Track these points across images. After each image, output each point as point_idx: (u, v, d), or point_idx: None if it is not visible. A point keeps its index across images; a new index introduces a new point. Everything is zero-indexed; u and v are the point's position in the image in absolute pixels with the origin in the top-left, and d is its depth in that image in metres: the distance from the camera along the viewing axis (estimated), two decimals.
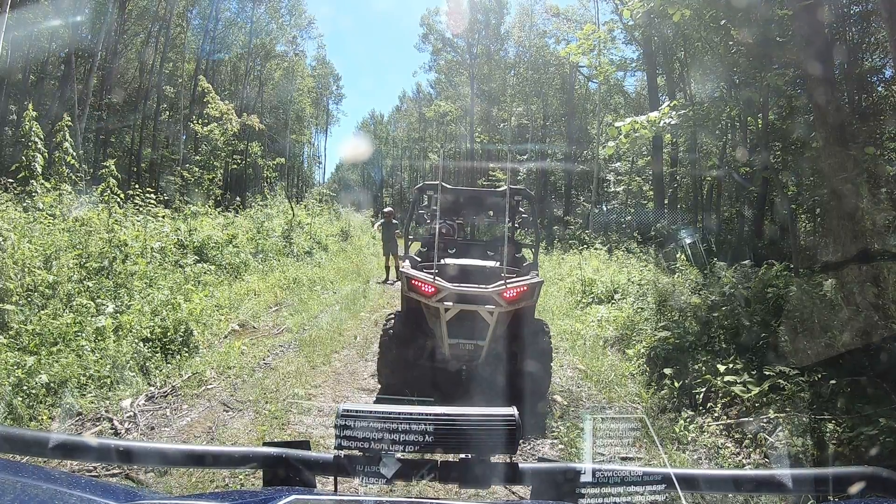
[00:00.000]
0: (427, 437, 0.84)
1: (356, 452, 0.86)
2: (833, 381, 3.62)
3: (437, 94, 32.58)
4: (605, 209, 18.90)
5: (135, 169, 20.55)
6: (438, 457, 0.89)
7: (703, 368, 4.35)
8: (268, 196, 16.09)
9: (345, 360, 5.30)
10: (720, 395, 4.06)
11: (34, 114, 7.31)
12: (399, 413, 0.86)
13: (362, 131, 40.95)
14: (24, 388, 3.44)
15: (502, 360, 4.11)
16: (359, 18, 52.10)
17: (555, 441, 3.67)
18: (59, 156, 7.76)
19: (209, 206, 10.47)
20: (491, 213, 5.62)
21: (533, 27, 24.80)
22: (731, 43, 6.63)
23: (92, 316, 4.56)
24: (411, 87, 39.30)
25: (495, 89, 26.51)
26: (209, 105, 12.52)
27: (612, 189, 19.29)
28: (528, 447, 3.56)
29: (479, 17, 26.79)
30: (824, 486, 0.92)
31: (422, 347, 4.24)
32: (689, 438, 3.77)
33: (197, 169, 12.16)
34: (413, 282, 4.06)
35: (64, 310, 4.49)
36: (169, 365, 4.52)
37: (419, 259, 4.93)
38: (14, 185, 6.77)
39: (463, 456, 0.89)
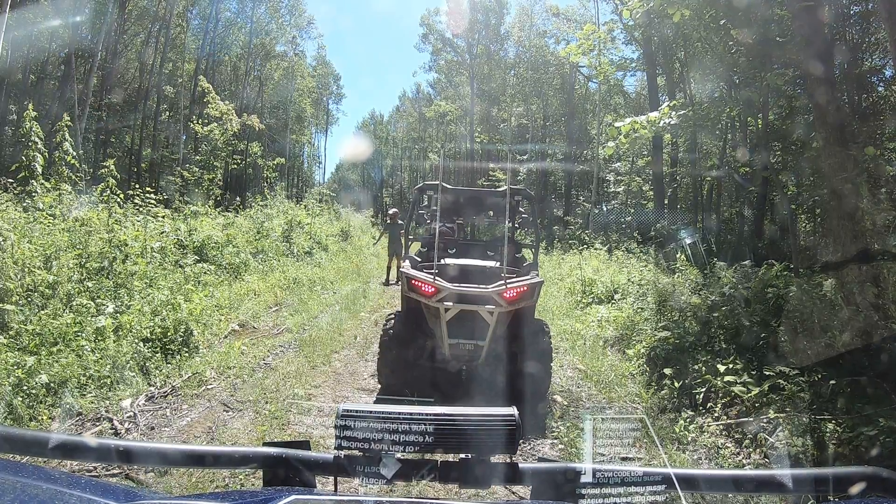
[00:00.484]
0: (427, 437, 0.84)
1: (356, 452, 0.86)
2: (833, 381, 3.62)
3: (437, 94, 32.59)
4: (605, 209, 18.88)
5: (135, 169, 20.57)
6: (438, 457, 0.89)
7: (703, 368, 4.34)
8: (268, 196, 16.08)
9: (345, 361, 5.30)
10: (720, 395, 4.05)
11: (34, 114, 7.29)
12: (399, 413, 0.86)
13: (362, 131, 41.06)
14: (24, 388, 3.44)
15: (502, 361, 4.10)
16: (359, 18, 52.26)
17: (555, 441, 3.67)
18: (59, 156, 7.75)
19: (209, 206, 10.45)
20: (491, 213, 5.61)
21: (533, 27, 24.85)
22: (730, 43, 6.64)
23: (92, 316, 4.55)
24: (411, 87, 39.26)
25: (495, 89, 26.52)
26: (209, 105, 12.54)
27: (612, 189, 19.30)
28: (528, 447, 3.55)
29: (479, 17, 26.81)
30: (824, 486, 0.92)
31: (422, 347, 4.23)
32: (689, 438, 3.76)
33: (197, 169, 12.17)
34: (413, 282, 4.06)
35: (64, 310, 4.49)
36: (169, 365, 4.52)
37: (419, 259, 4.92)
38: (14, 185, 6.76)
39: (463, 456, 0.89)
